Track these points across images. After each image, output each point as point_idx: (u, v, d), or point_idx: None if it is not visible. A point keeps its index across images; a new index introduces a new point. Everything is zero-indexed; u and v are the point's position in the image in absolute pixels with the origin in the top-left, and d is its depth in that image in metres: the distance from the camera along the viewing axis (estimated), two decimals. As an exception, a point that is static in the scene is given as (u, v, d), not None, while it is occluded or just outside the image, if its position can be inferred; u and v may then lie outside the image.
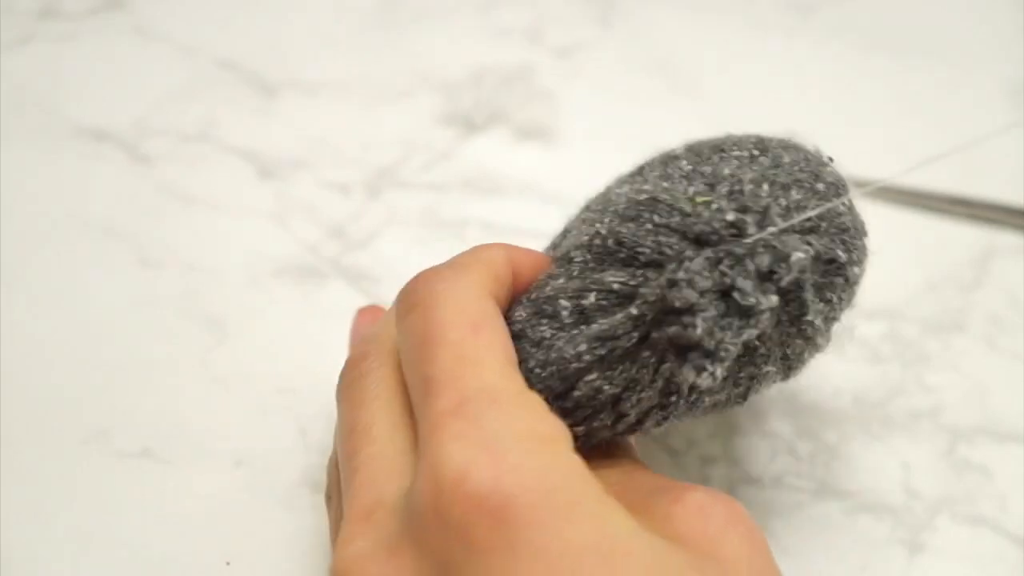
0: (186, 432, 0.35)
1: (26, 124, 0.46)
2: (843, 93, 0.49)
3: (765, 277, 0.24)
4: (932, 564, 0.33)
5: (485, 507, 0.20)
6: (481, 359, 0.23)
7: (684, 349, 0.24)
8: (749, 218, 0.25)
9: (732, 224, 0.24)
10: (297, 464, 0.34)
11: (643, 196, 0.27)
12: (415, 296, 0.25)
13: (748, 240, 0.24)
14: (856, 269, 0.27)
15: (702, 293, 0.24)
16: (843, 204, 0.27)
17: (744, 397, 0.27)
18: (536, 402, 0.23)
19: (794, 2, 0.54)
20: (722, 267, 0.24)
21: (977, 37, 0.53)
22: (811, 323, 0.26)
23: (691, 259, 0.24)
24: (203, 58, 0.49)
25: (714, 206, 0.25)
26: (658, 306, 0.24)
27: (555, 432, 0.23)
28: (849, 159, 0.45)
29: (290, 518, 0.33)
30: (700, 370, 0.24)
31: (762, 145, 0.29)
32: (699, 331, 0.23)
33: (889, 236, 0.42)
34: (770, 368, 0.27)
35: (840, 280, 0.27)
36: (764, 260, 0.24)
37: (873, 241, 0.42)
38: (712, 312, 0.23)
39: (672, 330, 0.24)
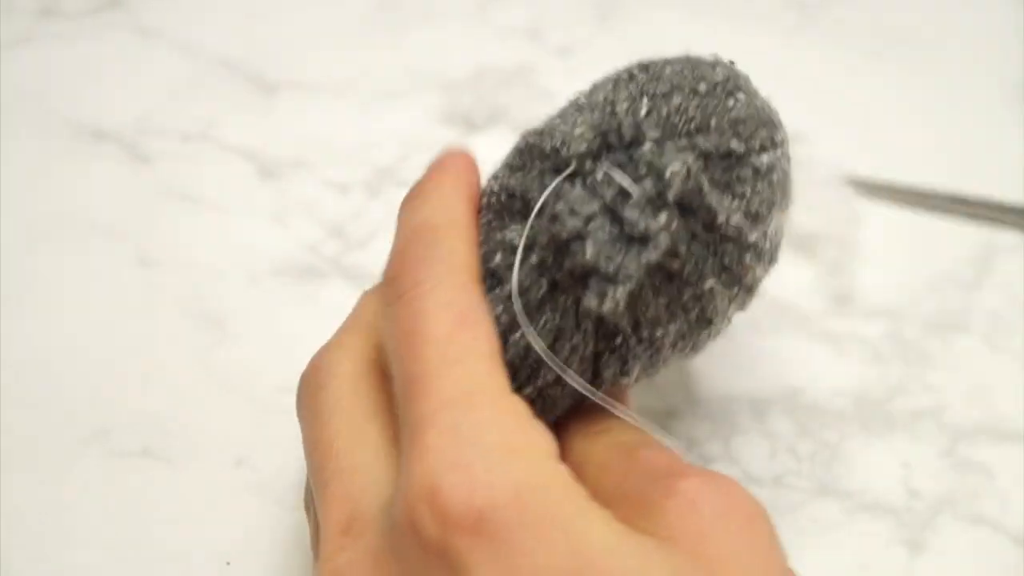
0: (186, 432, 0.35)
1: (26, 123, 0.46)
2: (843, 93, 0.49)
3: (651, 198, 0.24)
4: (932, 564, 0.33)
5: (460, 525, 0.20)
6: (464, 358, 0.22)
7: (583, 277, 0.24)
8: (615, 138, 0.24)
9: (599, 148, 0.24)
10: (297, 464, 0.34)
11: (521, 143, 0.27)
12: (399, 285, 0.25)
13: (623, 156, 0.24)
14: (764, 157, 0.26)
15: (587, 219, 0.23)
16: (736, 98, 0.26)
17: (708, 322, 0.27)
18: (516, 405, 0.23)
19: (794, 2, 0.54)
20: (600, 191, 0.24)
21: (977, 38, 0.53)
22: (729, 223, 0.25)
23: (570, 191, 0.24)
24: (203, 58, 0.49)
25: (578, 131, 0.25)
26: (551, 246, 0.24)
27: (534, 440, 0.22)
28: (849, 159, 0.45)
29: (290, 518, 0.32)
30: (602, 296, 0.23)
31: (645, 63, 0.28)
32: (589, 254, 0.23)
33: (889, 236, 0.43)
34: (712, 282, 0.26)
35: (748, 171, 0.26)
36: (647, 184, 0.24)
37: (873, 241, 0.42)
38: (603, 236, 0.23)
39: (567, 262, 0.24)
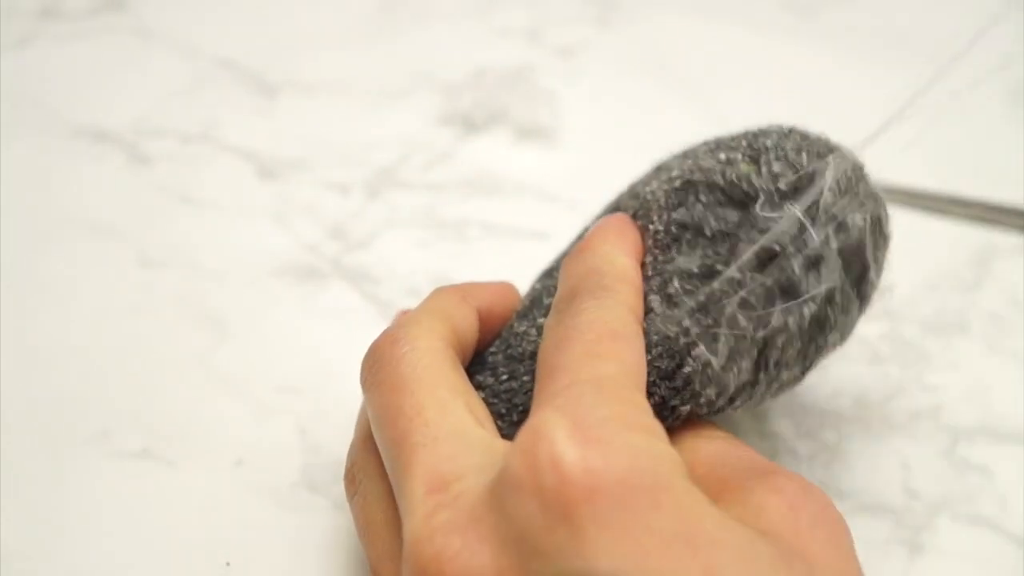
0: (186, 432, 0.35)
1: (26, 124, 0.46)
2: (842, 94, 0.49)
3: (827, 244, 0.26)
4: (932, 564, 0.33)
5: (579, 483, 0.20)
6: (605, 357, 0.24)
7: (782, 293, 0.25)
8: (805, 182, 0.26)
9: (789, 189, 0.26)
10: (297, 464, 0.34)
11: (677, 183, 0.28)
12: (566, 303, 0.27)
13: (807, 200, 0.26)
14: (891, 228, 0.29)
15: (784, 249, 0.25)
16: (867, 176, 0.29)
17: (809, 369, 0.28)
18: (641, 401, 0.24)
19: (794, 3, 0.54)
20: (782, 228, 0.26)
21: (977, 38, 0.53)
22: (873, 282, 0.27)
23: (777, 215, 0.26)
24: (203, 58, 0.49)
25: (769, 169, 0.27)
26: (756, 259, 0.26)
27: (651, 425, 0.23)
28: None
29: (290, 518, 0.33)
30: (788, 313, 0.25)
31: (752, 134, 0.30)
32: (797, 272, 0.25)
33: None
34: (835, 336, 0.27)
35: (884, 239, 0.28)
36: (828, 231, 0.26)
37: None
38: (800, 259, 0.25)
39: (772, 275, 0.25)
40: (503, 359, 0.29)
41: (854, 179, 0.27)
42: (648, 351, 0.26)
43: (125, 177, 0.44)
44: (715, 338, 0.26)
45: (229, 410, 0.35)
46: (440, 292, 0.30)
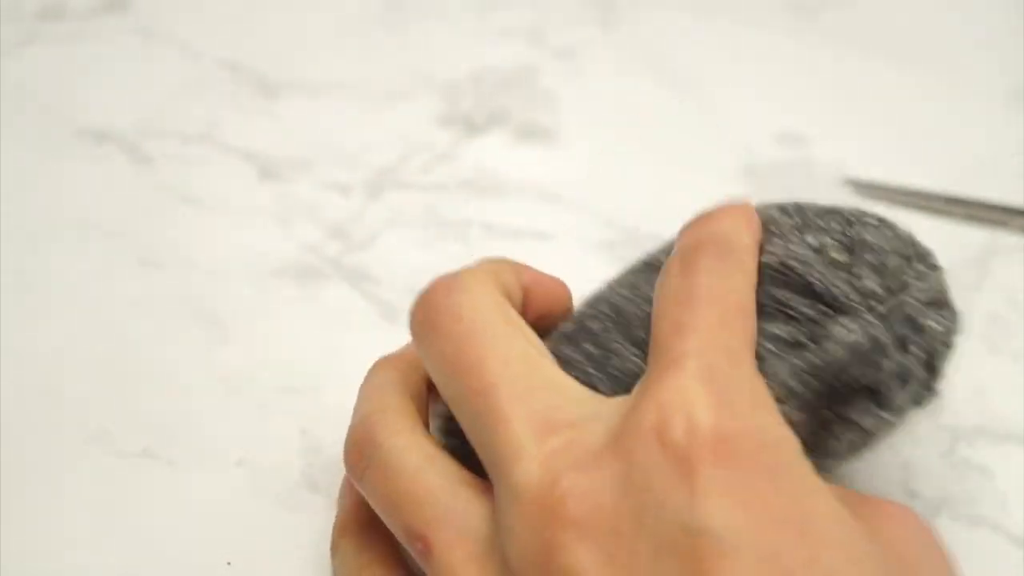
0: (187, 432, 0.35)
1: (28, 125, 0.46)
2: (843, 95, 0.49)
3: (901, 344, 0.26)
4: (932, 564, 0.33)
5: (706, 441, 0.21)
6: (733, 324, 0.24)
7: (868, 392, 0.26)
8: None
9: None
10: (297, 464, 0.34)
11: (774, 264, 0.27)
12: (689, 253, 0.26)
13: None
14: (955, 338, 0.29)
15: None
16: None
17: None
18: (764, 385, 0.24)
19: (794, 4, 0.54)
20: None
21: (977, 39, 0.53)
22: (937, 392, 0.28)
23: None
24: (205, 59, 0.49)
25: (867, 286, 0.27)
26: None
27: (776, 408, 0.23)
28: (848, 160, 0.45)
29: (290, 518, 0.33)
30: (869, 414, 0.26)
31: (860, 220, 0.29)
32: (884, 374, 0.25)
33: (889, 236, 0.43)
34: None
35: (948, 350, 0.28)
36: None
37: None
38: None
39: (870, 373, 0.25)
40: (581, 331, 0.28)
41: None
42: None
43: (126, 177, 0.44)
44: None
45: (229, 410, 0.35)
46: (491, 258, 0.29)
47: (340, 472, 0.33)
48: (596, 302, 0.29)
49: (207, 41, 0.50)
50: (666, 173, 0.45)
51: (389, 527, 0.26)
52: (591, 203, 0.43)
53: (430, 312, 0.26)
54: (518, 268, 0.29)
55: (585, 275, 0.31)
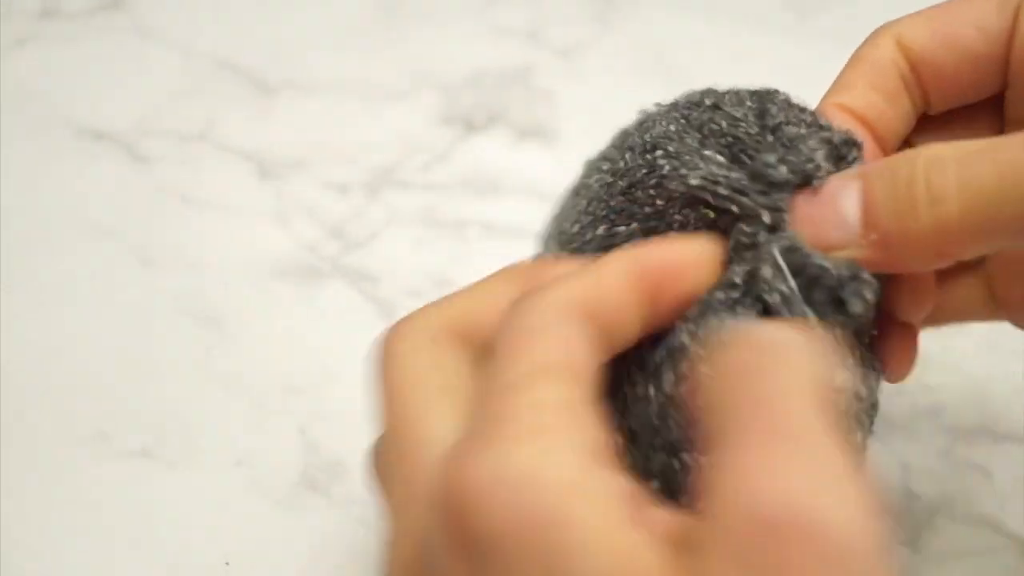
0: (186, 432, 0.35)
1: (26, 124, 0.46)
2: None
3: None
4: (932, 564, 0.33)
5: (810, 545, 0.18)
6: (805, 404, 0.20)
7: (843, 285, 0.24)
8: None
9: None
10: (297, 464, 0.34)
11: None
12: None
13: None
14: None
15: None
16: None
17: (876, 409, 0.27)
18: (835, 440, 0.20)
19: (793, 3, 0.54)
20: None
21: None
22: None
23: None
24: (203, 58, 0.49)
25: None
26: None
27: (860, 479, 0.20)
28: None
29: (290, 518, 0.33)
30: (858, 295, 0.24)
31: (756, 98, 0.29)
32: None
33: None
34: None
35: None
36: None
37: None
38: None
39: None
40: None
41: None
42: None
43: (125, 177, 0.44)
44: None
45: (229, 410, 0.35)
46: (598, 273, 0.23)
47: (340, 472, 0.33)
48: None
49: (206, 41, 0.50)
50: (665, 173, 0.44)
51: None
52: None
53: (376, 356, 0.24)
54: (629, 268, 0.24)
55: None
